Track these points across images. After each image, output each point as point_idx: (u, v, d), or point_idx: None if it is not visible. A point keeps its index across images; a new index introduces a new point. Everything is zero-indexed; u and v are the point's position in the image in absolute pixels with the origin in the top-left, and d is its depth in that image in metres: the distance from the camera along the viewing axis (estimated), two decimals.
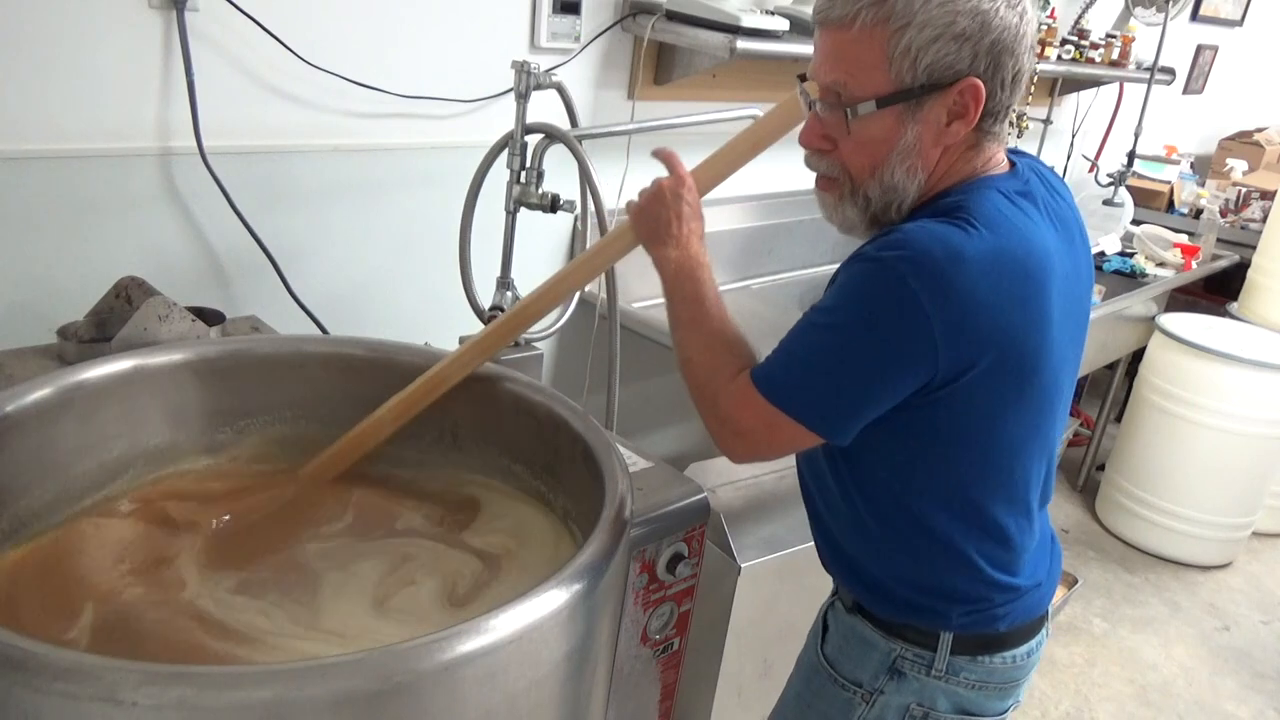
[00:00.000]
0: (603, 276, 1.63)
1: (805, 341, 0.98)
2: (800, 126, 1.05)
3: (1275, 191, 3.72)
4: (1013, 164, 1.05)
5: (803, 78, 1.03)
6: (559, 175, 1.58)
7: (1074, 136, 3.66)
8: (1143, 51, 3.41)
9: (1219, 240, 3.65)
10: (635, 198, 1.11)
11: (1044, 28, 2.96)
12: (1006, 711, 1.14)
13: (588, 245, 1.81)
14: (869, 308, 0.93)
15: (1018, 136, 3.06)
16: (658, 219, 1.07)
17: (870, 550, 1.09)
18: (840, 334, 0.95)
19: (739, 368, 1.02)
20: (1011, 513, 1.05)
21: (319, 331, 1.72)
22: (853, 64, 0.94)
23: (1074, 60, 3.10)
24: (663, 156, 1.11)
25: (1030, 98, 3.18)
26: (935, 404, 0.95)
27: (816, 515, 1.17)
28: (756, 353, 1.05)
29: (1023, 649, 1.11)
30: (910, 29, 0.91)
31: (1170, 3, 3.53)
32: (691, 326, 1.06)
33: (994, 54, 0.93)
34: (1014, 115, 2.91)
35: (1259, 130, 4.55)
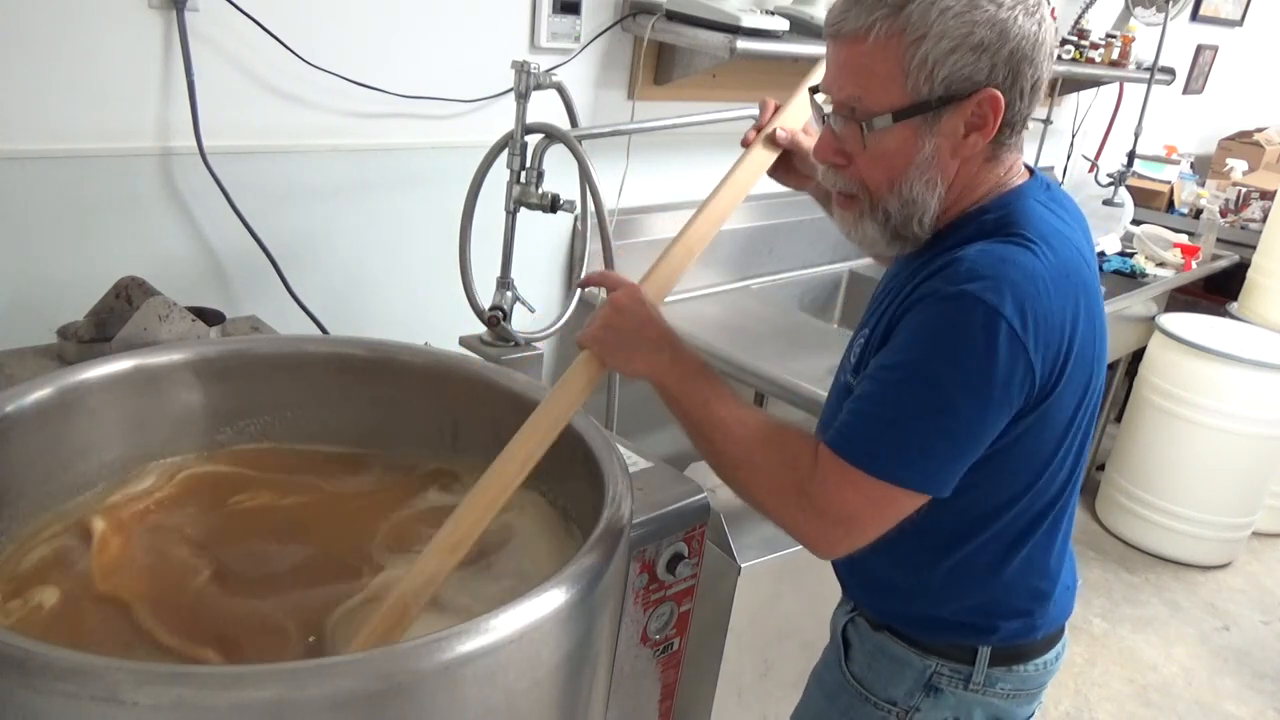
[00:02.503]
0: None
1: (893, 400, 0.90)
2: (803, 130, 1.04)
3: (1275, 191, 3.72)
4: (1030, 170, 1.03)
5: (814, 90, 1.01)
6: (559, 175, 1.58)
7: (1074, 136, 3.67)
8: (1143, 51, 3.41)
9: (1219, 240, 3.65)
10: (578, 334, 1.02)
11: None
12: (1032, 715, 1.14)
13: (586, 246, 1.81)
14: (963, 347, 0.87)
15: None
16: (627, 331, 0.98)
17: (919, 579, 1.05)
18: (935, 383, 0.88)
19: (812, 447, 0.93)
20: (1058, 520, 1.04)
21: (319, 331, 1.72)
22: (868, 77, 0.92)
23: (1074, 60, 3.10)
24: (595, 282, 1.05)
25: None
26: (1023, 424, 0.93)
27: (850, 554, 1.12)
28: (805, 426, 0.98)
29: (1051, 654, 1.11)
30: (927, 40, 0.88)
31: (1170, 3, 3.53)
32: (730, 428, 0.95)
33: (1013, 64, 0.90)
34: None
35: (1259, 130, 4.55)
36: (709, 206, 1.12)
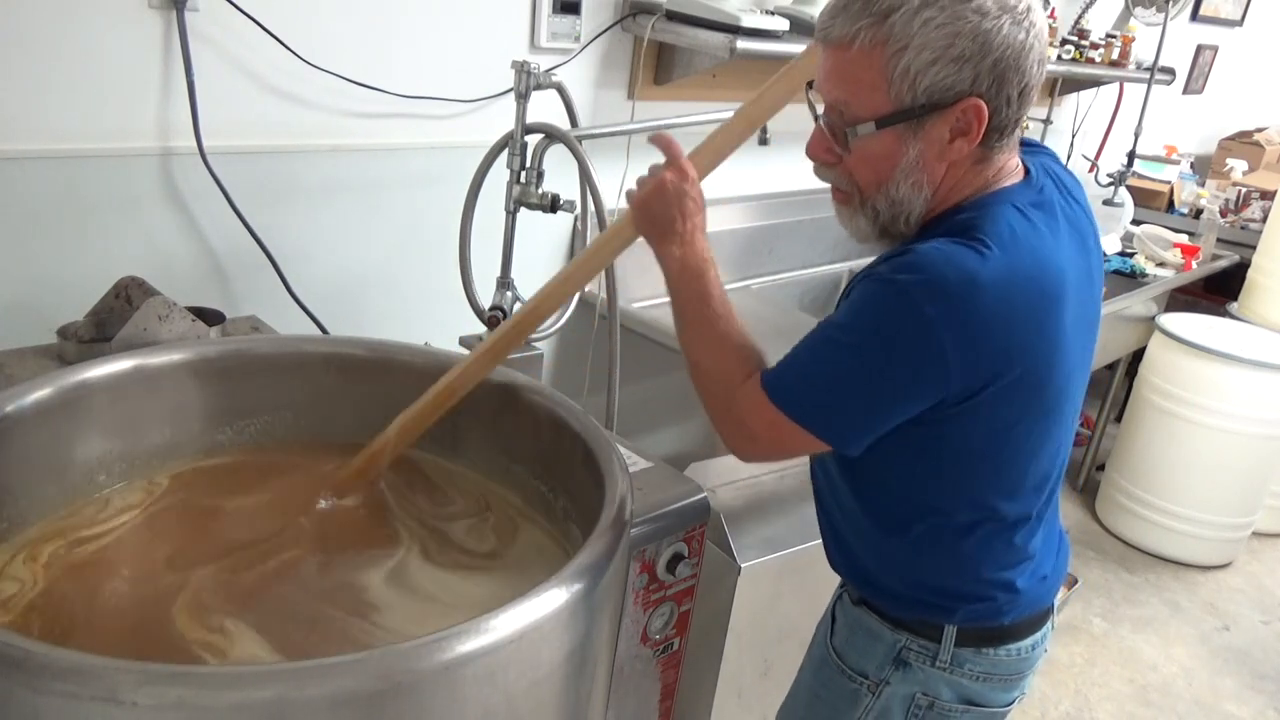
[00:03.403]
0: (602, 276, 1.63)
1: (819, 355, 0.99)
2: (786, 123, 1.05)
3: (1275, 191, 3.72)
4: (1027, 170, 1.03)
5: (810, 85, 1.02)
6: (559, 175, 1.58)
7: (1074, 136, 3.66)
8: (1143, 51, 3.41)
9: (1219, 240, 3.65)
10: (635, 187, 1.09)
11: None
12: (1012, 703, 1.15)
13: (588, 244, 1.81)
14: (883, 330, 0.93)
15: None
16: (661, 215, 1.05)
17: (875, 552, 1.10)
18: (854, 352, 0.95)
19: (750, 371, 1.02)
20: (1019, 516, 1.06)
21: (319, 331, 1.72)
22: (853, 84, 0.94)
23: (1074, 60, 3.10)
24: (662, 144, 1.08)
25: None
26: (946, 420, 0.96)
27: (826, 514, 1.18)
28: (764, 354, 1.06)
29: (1027, 642, 1.12)
30: (908, 51, 0.90)
31: (1170, 3, 3.53)
32: (699, 327, 1.06)
33: (997, 72, 0.91)
34: None
35: (1259, 130, 4.55)
36: (782, 81, 1.10)
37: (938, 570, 1.07)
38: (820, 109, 1.00)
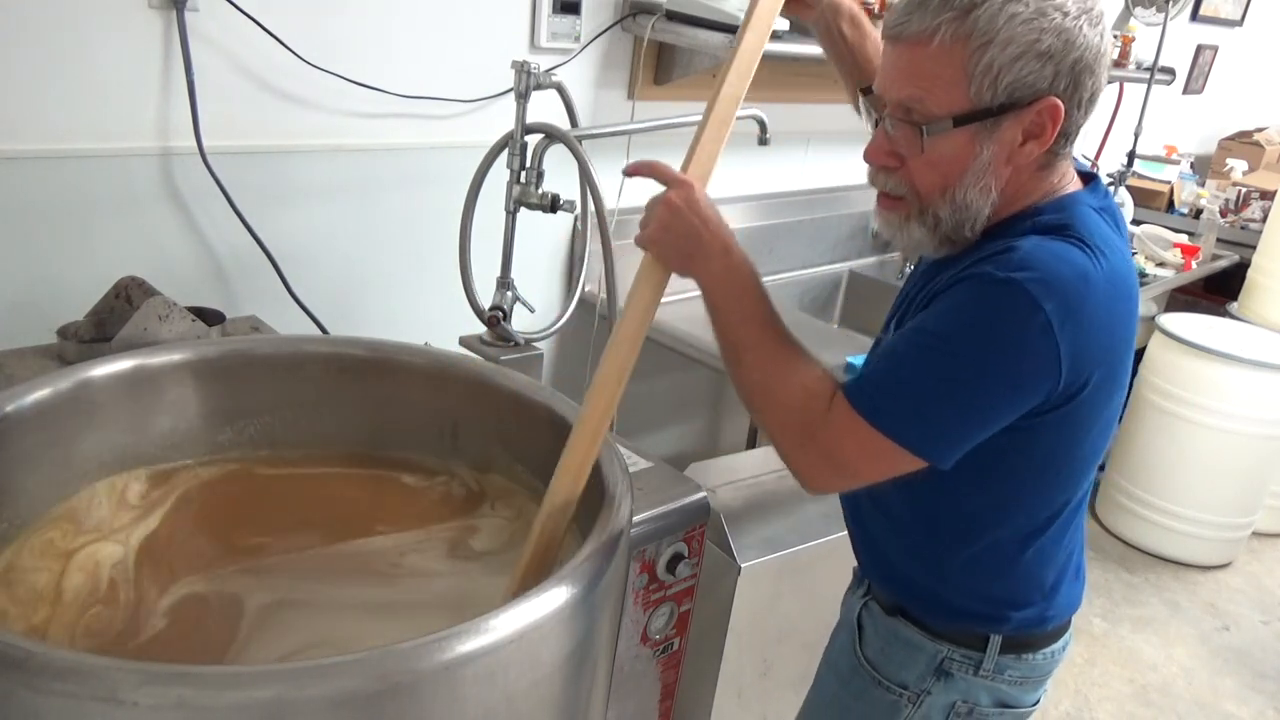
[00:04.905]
0: (601, 276, 1.63)
1: (916, 364, 0.92)
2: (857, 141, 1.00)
3: (1275, 191, 3.72)
4: (1085, 177, 1.03)
5: (866, 91, 1.00)
6: (559, 175, 1.58)
7: None
8: (1143, 51, 3.41)
9: (1219, 240, 3.65)
10: (640, 230, 0.99)
11: None
12: (1038, 701, 1.15)
13: (586, 246, 1.81)
14: (995, 330, 0.89)
15: None
16: (683, 236, 0.97)
17: (934, 565, 1.07)
18: (960, 357, 0.90)
19: (832, 391, 0.95)
20: (1067, 514, 1.05)
21: (319, 331, 1.72)
22: (930, 80, 0.91)
23: None
24: (644, 171, 1.01)
25: None
26: (1036, 427, 0.93)
27: (863, 526, 1.15)
28: (829, 367, 0.99)
29: (1059, 643, 1.12)
30: (993, 46, 0.87)
31: (1170, 3, 3.53)
32: (763, 349, 0.97)
33: (1075, 73, 0.90)
34: None
35: (1259, 130, 4.55)
36: (735, 63, 1.04)
37: (998, 579, 1.05)
38: (882, 111, 0.96)
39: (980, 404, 0.91)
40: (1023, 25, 0.87)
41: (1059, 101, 0.90)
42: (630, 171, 1.02)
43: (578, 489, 0.97)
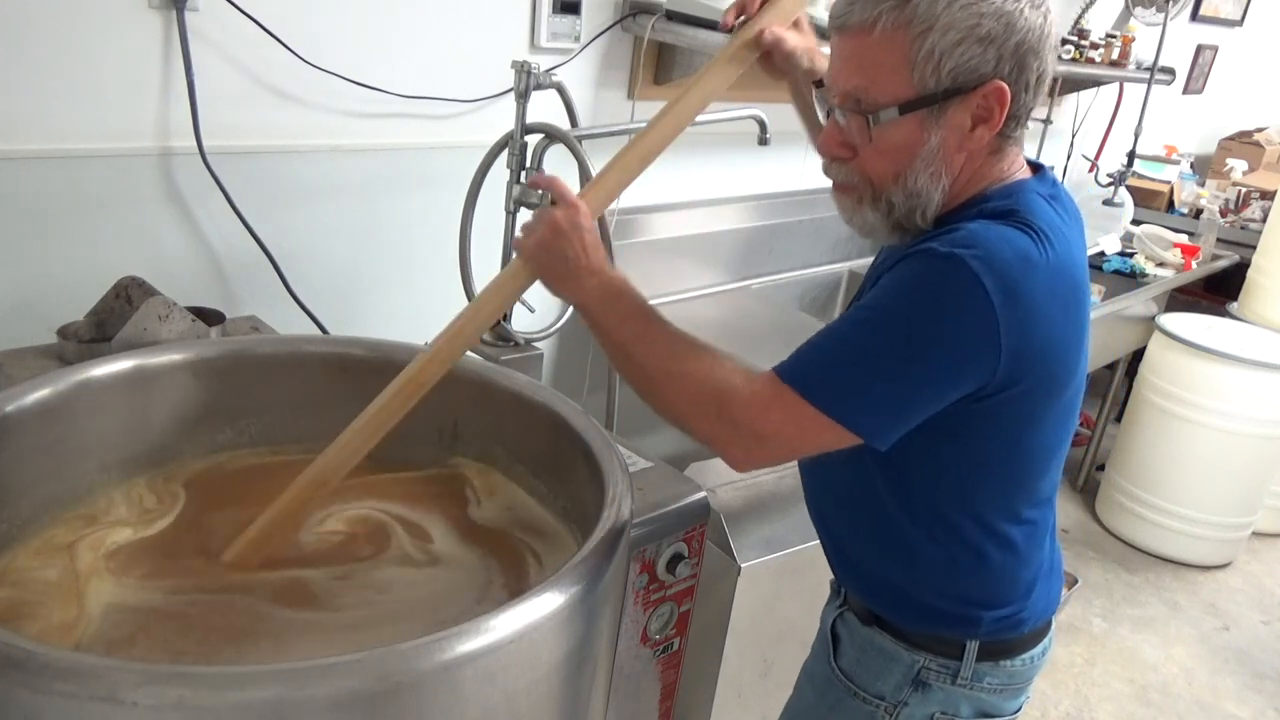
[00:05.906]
0: None
1: (851, 338, 0.92)
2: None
3: (1275, 191, 3.72)
4: (1034, 167, 1.03)
5: (818, 84, 1.01)
6: (559, 175, 1.57)
7: (1074, 136, 3.66)
8: (1143, 51, 3.41)
9: (1219, 240, 3.65)
10: (520, 233, 1.04)
11: None
12: (1019, 709, 1.14)
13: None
14: (936, 303, 0.88)
15: None
16: (560, 254, 1.00)
17: (902, 565, 1.06)
18: (898, 330, 0.89)
19: (738, 366, 0.95)
20: (1035, 511, 1.05)
21: (319, 331, 1.72)
22: (874, 69, 0.92)
23: (1074, 60, 3.10)
24: (543, 185, 1.05)
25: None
26: (980, 412, 0.93)
27: (835, 537, 1.15)
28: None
29: (1038, 649, 1.11)
30: (933, 32, 0.88)
31: (1170, 3, 3.53)
32: (653, 337, 0.98)
33: (1019, 56, 0.90)
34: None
35: (1259, 130, 4.55)
36: (674, 110, 1.08)
37: (966, 576, 1.04)
38: (832, 103, 0.97)
39: (914, 377, 0.89)
40: (962, 10, 0.88)
41: (1004, 85, 0.91)
42: (532, 183, 1.04)
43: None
